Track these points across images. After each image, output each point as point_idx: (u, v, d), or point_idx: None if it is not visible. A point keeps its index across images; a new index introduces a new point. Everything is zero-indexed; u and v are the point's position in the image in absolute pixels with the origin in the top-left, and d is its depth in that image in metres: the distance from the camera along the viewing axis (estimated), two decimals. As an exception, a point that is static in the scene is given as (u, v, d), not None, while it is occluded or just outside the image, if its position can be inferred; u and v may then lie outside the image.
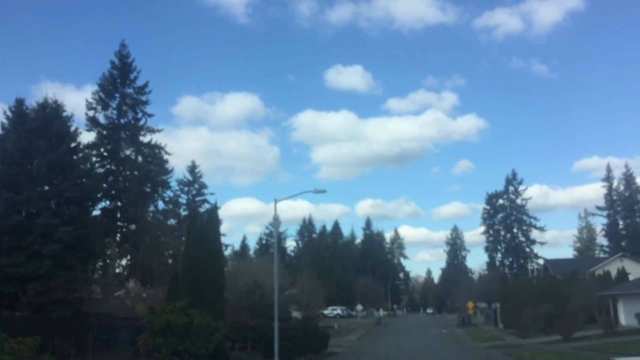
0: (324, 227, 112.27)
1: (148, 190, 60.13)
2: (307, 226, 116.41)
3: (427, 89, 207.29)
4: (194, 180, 74.05)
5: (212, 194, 77.38)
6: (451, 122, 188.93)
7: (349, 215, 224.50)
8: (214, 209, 40.33)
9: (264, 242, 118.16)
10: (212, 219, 25.96)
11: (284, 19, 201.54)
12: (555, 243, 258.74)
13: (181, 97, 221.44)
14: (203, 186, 73.11)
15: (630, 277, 54.85)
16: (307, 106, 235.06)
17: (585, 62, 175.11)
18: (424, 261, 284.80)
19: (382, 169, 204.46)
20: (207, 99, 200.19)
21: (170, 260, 44.55)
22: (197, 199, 73.30)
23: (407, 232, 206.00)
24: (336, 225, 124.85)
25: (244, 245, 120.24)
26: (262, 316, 40.17)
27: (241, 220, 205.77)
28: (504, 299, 58.58)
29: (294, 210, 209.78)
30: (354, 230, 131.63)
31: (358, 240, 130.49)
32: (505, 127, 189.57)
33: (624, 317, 47.29)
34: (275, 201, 30.57)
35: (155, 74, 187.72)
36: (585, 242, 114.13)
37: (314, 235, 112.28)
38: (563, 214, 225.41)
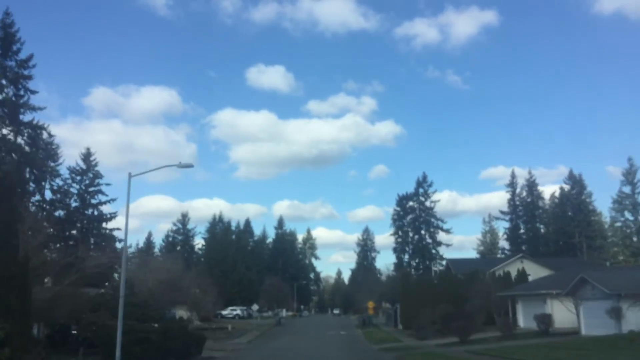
0: (228, 224, 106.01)
1: (30, 176, 53.10)
2: (217, 224, 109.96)
3: (347, 93, 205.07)
4: (88, 169, 66.62)
5: (108, 184, 70.05)
6: (369, 127, 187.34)
7: (265, 215, 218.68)
8: (15, 169, 33.01)
9: (170, 239, 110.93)
10: (8, 184, 18.84)
11: (206, 14, 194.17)
12: (461, 247, 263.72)
13: (93, 87, 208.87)
14: (98, 176, 65.83)
15: (530, 279, 52.44)
16: (227, 104, 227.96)
17: (496, 75, 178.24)
18: (337, 263, 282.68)
19: (301, 171, 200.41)
20: (121, 91, 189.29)
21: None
22: (90, 189, 66.17)
23: (322, 234, 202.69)
24: (247, 224, 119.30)
25: (149, 243, 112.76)
26: (130, 317, 34.39)
27: (154, 218, 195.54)
28: (405, 299, 55.00)
29: (210, 208, 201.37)
30: (266, 229, 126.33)
31: (270, 240, 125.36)
32: (420, 134, 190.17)
33: (523, 319, 44.49)
34: (130, 175, 24.89)
35: (66, 62, 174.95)
36: (489, 246, 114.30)
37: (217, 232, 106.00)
38: (470, 219, 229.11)
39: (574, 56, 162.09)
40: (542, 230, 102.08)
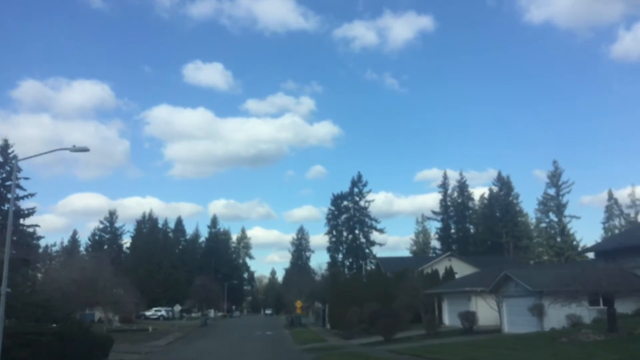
0: (155, 222, 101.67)
1: None
2: (145, 222, 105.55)
3: (286, 92, 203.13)
4: (5, 162, 62.15)
5: (26, 178, 65.57)
6: (308, 127, 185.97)
7: (201, 214, 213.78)
8: None
9: (97, 238, 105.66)
10: None
11: (142, 7, 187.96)
12: (396, 247, 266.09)
13: (22, 80, 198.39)
14: (16, 169, 61.44)
15: (457, 277, 52.06)
16: (163, 100, 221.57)
17: (431, 80, 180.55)
18: (273, 262, 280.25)
19: (238, 170, 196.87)
20: (51, 85, 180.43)
21: None
22: (7, 183, 61.70)
23: (258, 234, 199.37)
24: (179, 222, 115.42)
25: (75, 241, 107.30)
26: (30, 317, 31.37)
27: (85, 217, 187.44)
28: (333, 298, 53.51)
29: (143, 207, 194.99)
30: (199, 228, 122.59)
31: (203, 239, 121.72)
32: (357, 136, 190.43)
33: (448, 317, 43.83)
34: (16, 159, 22.06)
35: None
36: (421, 246, 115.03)
37: (145, 231, 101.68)
38: (405, 220, 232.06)
39: (505, 63, 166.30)
40: (472, 231, 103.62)
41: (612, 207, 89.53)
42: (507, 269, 36.57)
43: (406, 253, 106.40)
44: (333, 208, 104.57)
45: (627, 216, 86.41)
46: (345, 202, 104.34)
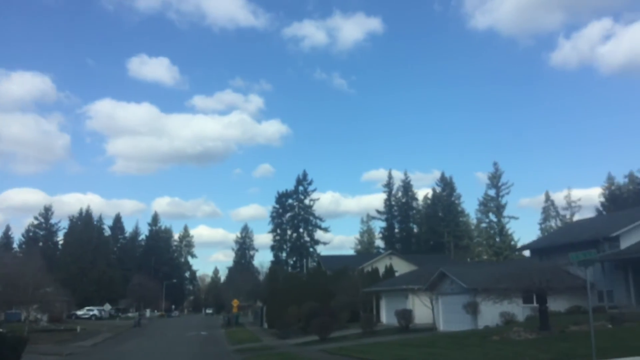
0: (89, 219, 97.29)
1: None
2: (81, 218, 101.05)
3: (234, 89, 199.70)
4: None
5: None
6: (256, 125, 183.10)
7: (144, 212, 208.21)
8: None
9: (31, 234, 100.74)
10: None
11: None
12: (342, 247, 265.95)
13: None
14: None
15: (397, 275, 51.37)
16: (106, 94, 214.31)
17: (379, 81, 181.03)
18: (219, 262, 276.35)
19: (183, 167, 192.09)
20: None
21: None
22: None
23: (204, 232, 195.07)
24: (118, 219, 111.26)
25: (8, 238, 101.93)
26: None
27: (22, 213, 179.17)
28: (272, 297, 51.96)
29: (82, 203, 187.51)
30: (139, 225, 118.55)
31: (143, 237, 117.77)
32: (306, 135, 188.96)
33: (385, 315, 42.96)
34: None
35: None
36: (365, 245, 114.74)
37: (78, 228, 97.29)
38: (352, 220, 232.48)
39: (450, 67, 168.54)
40: (415, 230, 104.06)
41: (549, 209, 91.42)
42: (444, 267, 35.91)
43: (351, 252, 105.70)
44: (277, 206, 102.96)
45: (562, 217, 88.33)
46: (290, 201, 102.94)
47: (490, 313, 30.48)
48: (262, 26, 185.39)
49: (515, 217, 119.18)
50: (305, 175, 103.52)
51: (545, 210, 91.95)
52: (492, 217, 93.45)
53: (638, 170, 67.48)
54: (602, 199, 70.93)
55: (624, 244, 30.41)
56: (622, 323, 21.33)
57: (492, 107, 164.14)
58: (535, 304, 31.46)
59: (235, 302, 59.69)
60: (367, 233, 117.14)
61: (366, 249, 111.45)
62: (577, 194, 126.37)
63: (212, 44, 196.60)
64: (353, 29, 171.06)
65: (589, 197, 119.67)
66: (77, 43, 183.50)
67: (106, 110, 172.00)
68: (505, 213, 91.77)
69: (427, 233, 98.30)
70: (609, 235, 30.73)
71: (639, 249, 28.70)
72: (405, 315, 37.25)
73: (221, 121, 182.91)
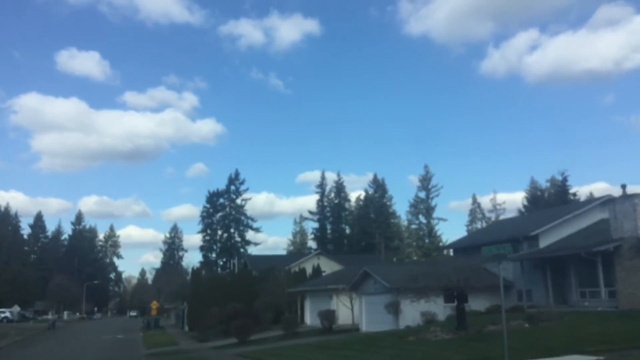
0: (5, 216, 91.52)
1: None
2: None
3: (168, 87, 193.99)
4: None
5: None
6: (190, 124, 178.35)
7: (70, 211, 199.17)
8: None
9: None
10: None
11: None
12: (276, 248, 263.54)
13: None
14: None
15: (325, 275, 50.20)
16: (32, 88, 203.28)
17: (315, 83, 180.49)
18: (149, 263, 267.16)
19: (113, 165, 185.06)
20: None
21: None
22: None
23: (133, 233, 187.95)
24: (39, 218, 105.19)
25: None
26: None
27: None
28: (194, 298, 49.69)
29: (4, 200, 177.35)
30: (61, 225, 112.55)
31: (66, 236, 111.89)
32: (241, 135, 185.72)
33: (310, 316, 41.66)
34: None
35: None
36: (298, 246, 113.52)
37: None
38: (286, 221, 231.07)
39: (385, 71, 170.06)
40: (348, 231, 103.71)
41: (476, 211, 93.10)
42: (367, 266, 34.94)
43: (283, 253, 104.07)
44: (208, 206, 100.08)
45: (488, 220, 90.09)
46: (221, 200, 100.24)
47: (411, 313, 29.69)
48: (198, 23, 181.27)
49: (444, 219, 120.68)
50: (237, 174, 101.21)
51: (472, 213, 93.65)
52: (422, 218, 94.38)
53: (558, 172, 69.56)
54: (525, 202, 72.64)
55: (543, 242, 30.36)
56: (539, 322, 20.83)
57: (425, 112, 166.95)
58: (456, 304, 31.04)
59: (154, 304, 56.83)
60: (300, 234, 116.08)
61: (299, 250, 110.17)
62: (502, 197, 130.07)
63: (145, 39, 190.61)
64: (290, 29, 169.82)
65: (513, 200, 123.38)
66: (3, 35, 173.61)
67: (32, 104, 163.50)
68: (435, 215, 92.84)
69: (359, 234, 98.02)
70: (528, 234, 30.62)
71: (558, 247, 28.64)
72: (329, 316, 36.06)
73: (154, 119, 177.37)
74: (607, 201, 26.41)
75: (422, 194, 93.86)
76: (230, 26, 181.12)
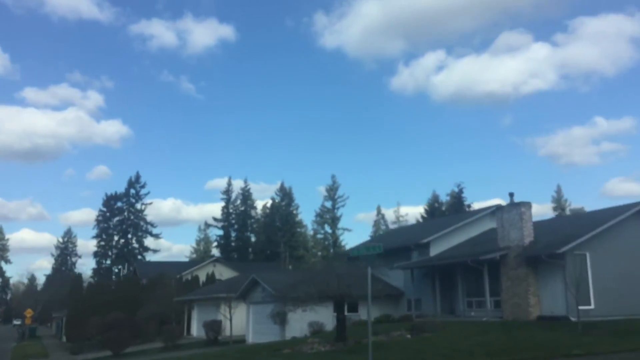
0: None
1: None
2: None
3: (71, 84, 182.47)
4: None
5: None
6: (94, 124, 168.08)
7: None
8: None
9: None
10: None
11: None
12: (181, 255, 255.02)
13: None
14: None
15: (216, 283, 47.54)
16: None
17: (228, 90, 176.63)
18: (43, 268, 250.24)
19: (7, 164, 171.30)
20: None
21: None
22: None
23: (27, 237, 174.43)
24: None
25: None
26: None
27: None
28: (74, 307, 45.49)
29: None
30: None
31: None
32: (148, 139, 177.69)
33: (196, 327, 38.95)
34: None
35: None
36: (201, 254, 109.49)
37: None
38: (193, 228, 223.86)
39: (299, 83, 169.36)
40: (253, 239, 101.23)
41: (380, 222, 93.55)
42: (256, 273, 32.86)
43: (182, 260, 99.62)
44: (105, 209, 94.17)
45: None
46: (119, 204, 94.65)
47: (298, 323, 27.92)
48: (107, 20, 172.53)
49: (349, 229, 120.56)
50: (138, 177, 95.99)
51: (376, 224, 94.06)
52: (328, 228, 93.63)
53: (455, 184, 71.03)
54: (424, 214, 73.46)
55: (434, 251, 29.64)
56: (422, 333, 19.66)
57: (336, 124, 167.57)
58: (347, 313, 29.61)
59: (28, 313, 51.75)
60: (204, 241, 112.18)
61: (202, 258, 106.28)
62: (406, 210, 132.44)
63: (49, 34, 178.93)
64: (204, 33, 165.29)
65: (416, 213, 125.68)
66: None
67: None
68: (340, 225, 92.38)
69: (264, 242, 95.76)
70: (419, 242, 29.79)
71: (447, 256, 27.94)
72: (214, 327, 33.69)
73: (55, 117, 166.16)
74: (496, 210, 25.93)
75: (329, 204, 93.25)
76: (142, 26, 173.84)
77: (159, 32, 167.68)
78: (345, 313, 29.31)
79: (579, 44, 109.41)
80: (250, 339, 31.74)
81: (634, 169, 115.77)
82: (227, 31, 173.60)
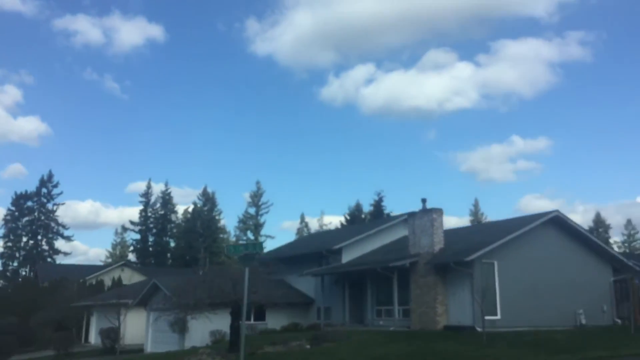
0: None
1: None
2: None
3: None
4: None
5: None
6: (10, 120, 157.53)
7: None
8: None
9: None
10: None
11: None
12: (98, 259, 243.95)
13: None
14: None
15: (119, 288, 44.57)
16: None
17: (155, 91, 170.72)
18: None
19: None
20: None
21: None
22: None
23: None
24: None
25: None
26: None
27: None
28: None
29: None
30: None
31: None
32: (68, 137, 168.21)
33: (94, 334, 36.05)
34: None
35: None
36: (117, 258, 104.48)
37: None
38: (112, 231, 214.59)
39: (228, 88, 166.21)
40: (172, 245, 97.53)
41: (303, 230, 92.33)
42: (157, 277, 30.60)
43: (92, 264, 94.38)
44: (14, 209, 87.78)
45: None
46: (29, 203, 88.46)
47: (199, 331, 26.02)
48: (31, 13, 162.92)
49: (272, 236, 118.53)
50: (50, 176, 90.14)
51: (300, 232, 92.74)
52: (250, 235, 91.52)
53: (376, 192, 71.09)
54: (344, 222, 72.94)
55: (346, 257, 28.49)
56: (323, 343, 18.28)
57: (264, 131, 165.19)
58: (253, 321, 27.98)
59: None
60: (121, 245, 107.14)
61: (116, 263, 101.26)
62: (330, 219, 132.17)
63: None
64: (132, 32, 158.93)
65: (339, 222, 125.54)
66: None
67: None
68: (263, 232, 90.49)
69: (184, 248, 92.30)
70: (331, 248, 28.57)
71: (358, 262, 26.87)
72: (111, 335, 31.01)
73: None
74: (408, 216, 25.09)
75: (252, 210, 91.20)
76: (66, 21, 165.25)
77: (85, 28, 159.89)
78: (252, 321, 27.88)
79: (500, 65, 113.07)
80: (149, 348, 29.44)
81: (547, 187, 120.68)
82: (156, 31, 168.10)
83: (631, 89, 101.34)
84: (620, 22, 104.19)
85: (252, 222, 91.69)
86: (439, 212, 23.25)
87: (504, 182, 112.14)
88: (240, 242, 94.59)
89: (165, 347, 26.90)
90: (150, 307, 30.27)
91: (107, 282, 46.58)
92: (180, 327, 26.15)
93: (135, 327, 33.01)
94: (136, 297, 32.14)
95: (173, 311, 26.56)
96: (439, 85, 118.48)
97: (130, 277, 49.78)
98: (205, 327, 25.41)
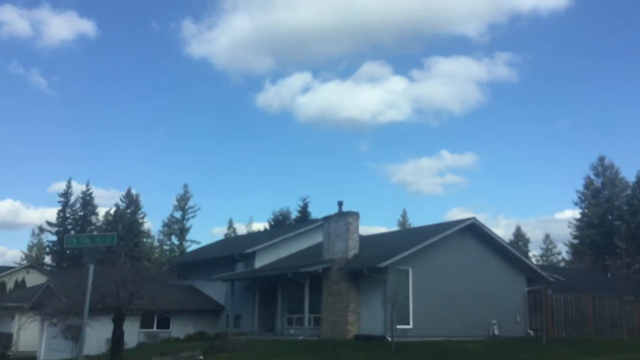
0: None
1: None
2: None
3: None
4: None
5: None
6: None
7: None
8: None
9: None
10: None
11: None
12: (12, 262, 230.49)
13: None
14: None
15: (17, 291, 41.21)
16: None
17: (84, 89, 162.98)
18: None
19: None
20: None
21: None
22: None
23: None
24: None
25: None
26: None
27: None
28: None
29: None
30: None
31: None
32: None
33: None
34: None
35: None
36: (33, 260, 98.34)
37: None
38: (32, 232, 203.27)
39: (161, 89, 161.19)
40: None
41: (230, 236, 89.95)
42: (55, 279, 28.02)
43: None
44: None
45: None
46: None
47: (96, 339, 23.73)
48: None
49: (198, 241, 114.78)
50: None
51: (227, 237, 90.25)
52: (175, 239, 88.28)
53: (301, 198, 70.15)
54: (268, 227, 71.45)
55: (260, 263, 26.98)
56: (219, 353, 16.71)
57: (195, 135, 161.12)
58: (155, 329, 25.99)
59: None
60: (37, 247, 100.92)
61: (31, 266, 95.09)
62: (258, 225, 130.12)
63: None
64: (62, 26, 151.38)
65: (264, 228, 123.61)
66: None
67: None
68: (189, 237, 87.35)
69: (103, 251, 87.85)
70: (244, 252, 26.96)
71: (271, 268, 25.43)
72: (3, 341, 28.23)
73: None
74: (323, 220, 23.85)
75: (178, 214, 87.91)
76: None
77: (11, 19, 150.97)
78: (154, 329, 25.85)
79: (432, 81, 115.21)
80: (42, 356, 26.87)
81: (473, 201, 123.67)
82: (87, 26, 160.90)
83: (554, 109, 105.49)
84: (547, 45, 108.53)
85: (177, 227, 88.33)
86: (355, 215, 22.16)
87: (433, 194, 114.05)
88: (163, 247, 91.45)
89: (59, 355, 24.72)
90: (46, 312, 27.60)
91: (10, 284, 42.92)
92: (74, 334, 23.77)
93: (31, 333, 30.17)
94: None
95: (60, 317, 24.26)
96: (374, 97, 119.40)
97: (37, 280, 46.09)
98: (101, 335, 23.17)
